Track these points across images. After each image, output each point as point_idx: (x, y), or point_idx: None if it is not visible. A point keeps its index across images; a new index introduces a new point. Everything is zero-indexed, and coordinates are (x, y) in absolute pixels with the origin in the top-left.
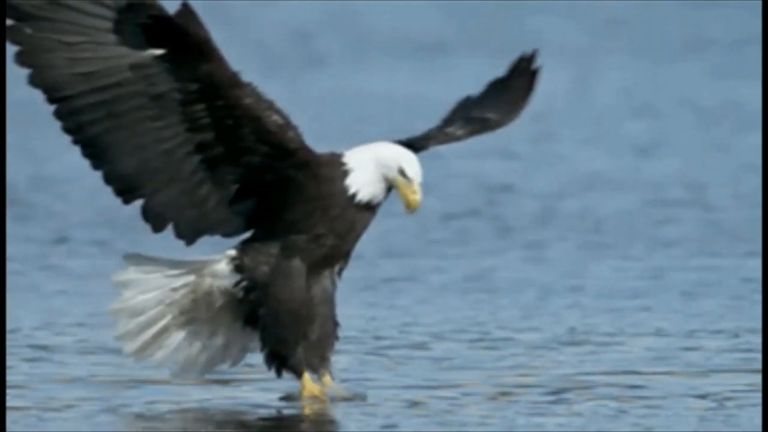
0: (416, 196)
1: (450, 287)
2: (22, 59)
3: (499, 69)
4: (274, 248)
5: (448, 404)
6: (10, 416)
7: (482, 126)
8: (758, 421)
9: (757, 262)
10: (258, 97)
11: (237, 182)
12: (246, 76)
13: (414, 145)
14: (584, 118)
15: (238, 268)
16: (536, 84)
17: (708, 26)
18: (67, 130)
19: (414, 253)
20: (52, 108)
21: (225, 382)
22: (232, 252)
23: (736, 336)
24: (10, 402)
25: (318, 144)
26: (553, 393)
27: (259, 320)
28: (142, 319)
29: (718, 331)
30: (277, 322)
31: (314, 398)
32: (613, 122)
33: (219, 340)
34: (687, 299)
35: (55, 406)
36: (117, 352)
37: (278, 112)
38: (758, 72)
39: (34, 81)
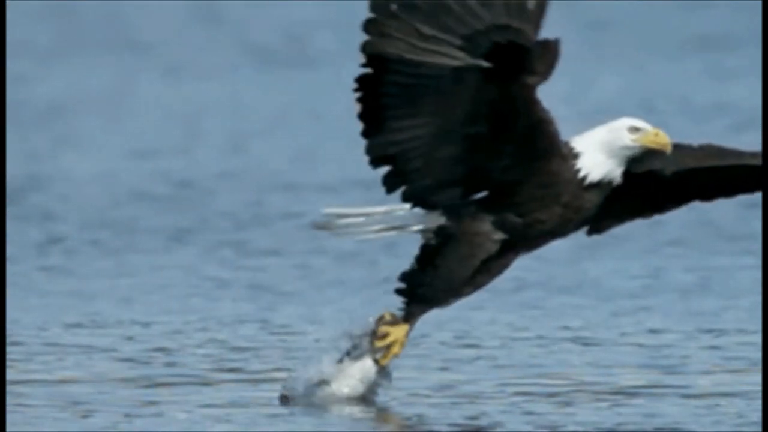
0: (661, 137)
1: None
2: (370, 28)
3: None
4: (485, 223)
5: (444, 403)
6: (9, 416)
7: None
8: (757, 418)
9: (756, 262)
10: (548, 116)
11: (480, 163)
12: (242, 75)
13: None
14: (581, 116)
15: (441, 230)
16: None
17: (704, 26)
18: (361, 97)
19: (413, 253)
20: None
21: (224, 383)
22: (441, 218)
23: (735, 336)
24: (9, 401)
25: (318, 141)
26: (550, 392)
27: (426, 259)
28: (345, 219)
29: (716, 331)
30: (433, 282)
31: (388, 347)
32: (610, 121)
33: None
34: (685, 299)
35: (55, 406)
36: (116, 352)
37: (553, 123)
38: (753, 71)
39: (366, 48)
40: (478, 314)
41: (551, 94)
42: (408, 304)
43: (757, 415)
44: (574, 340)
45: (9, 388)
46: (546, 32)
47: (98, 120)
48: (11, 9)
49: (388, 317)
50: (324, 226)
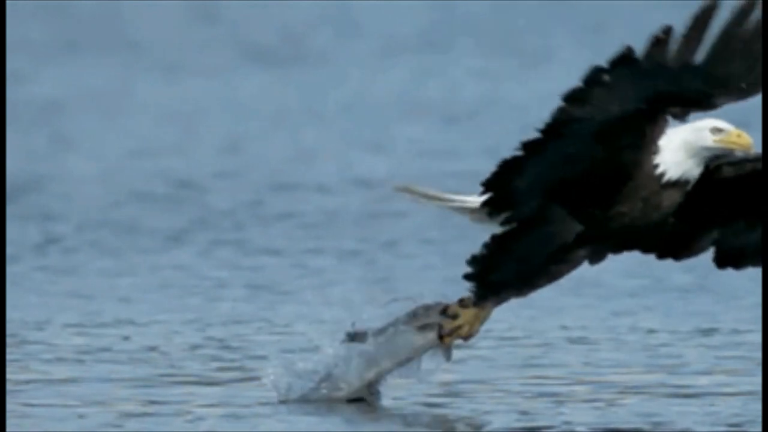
0: (743, 138)
1: (447, 286)
2: (573, 97)
3: (491, 68)
4: (562, 213)
5: (442, 402)
6: (9, 416)
7: None
8: (754, 418)
9: None
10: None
11: (578, 173)
12: (240, 74)
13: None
14: None
15: (511, 218)
16: None
17: None
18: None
19: (412, 253)
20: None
21: (223, 383)
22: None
23: (734, 335)
24: (9, 401)
25: (316, 140)
26: (546, 392)
27: (498, 244)
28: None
29: (715, 331)
30: (505, 266)
31: (458, 329)
32: None
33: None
34: (684, 299)
35: (55, 406)
36: (116, 351)
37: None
38: None
39: (559, 115)
40: None
41: (550, 94)
42: (478, 288)
43: (755, 415)
44: (572, 339)
45: (9, 388)
46: (545, 32)
47: (97, 119)
48: (9, 8)
49: (466, 301)
50: (406, 188)
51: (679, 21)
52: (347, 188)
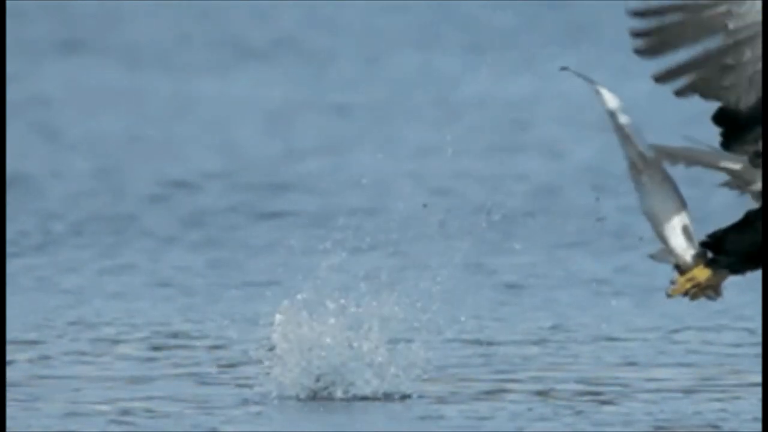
0: None
1: (442, 284)
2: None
3: (489, 67)
4: None
5: (441, 402)
6: (10, 416)
7: None
8: (753, 418)
9: None
10: None
11: None
12: (235, 73)
13: None
14: (576, 113)
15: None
16: None
17: None
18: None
19: (411, 253)
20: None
21: (223, 382)
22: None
23: (732, 335)
24: (9, 401)
25: (314, 140)
26: (546, 392)
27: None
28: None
29: (713, 330)
30: (730, 230)
31: (689, 279)
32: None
33: None
34: (681, 299)
35: (55, 406)
36: (115, 351)
37: None
38: None
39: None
40: (472, 312)
41: (547, 94)
42: (712, 252)
43: (754, 415)
44: (568, 339)
45: (9, 388)
46: (541, 32)
47: (96, 119)
48: (9, 8)
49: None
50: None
51: None
52: (345, 188)
